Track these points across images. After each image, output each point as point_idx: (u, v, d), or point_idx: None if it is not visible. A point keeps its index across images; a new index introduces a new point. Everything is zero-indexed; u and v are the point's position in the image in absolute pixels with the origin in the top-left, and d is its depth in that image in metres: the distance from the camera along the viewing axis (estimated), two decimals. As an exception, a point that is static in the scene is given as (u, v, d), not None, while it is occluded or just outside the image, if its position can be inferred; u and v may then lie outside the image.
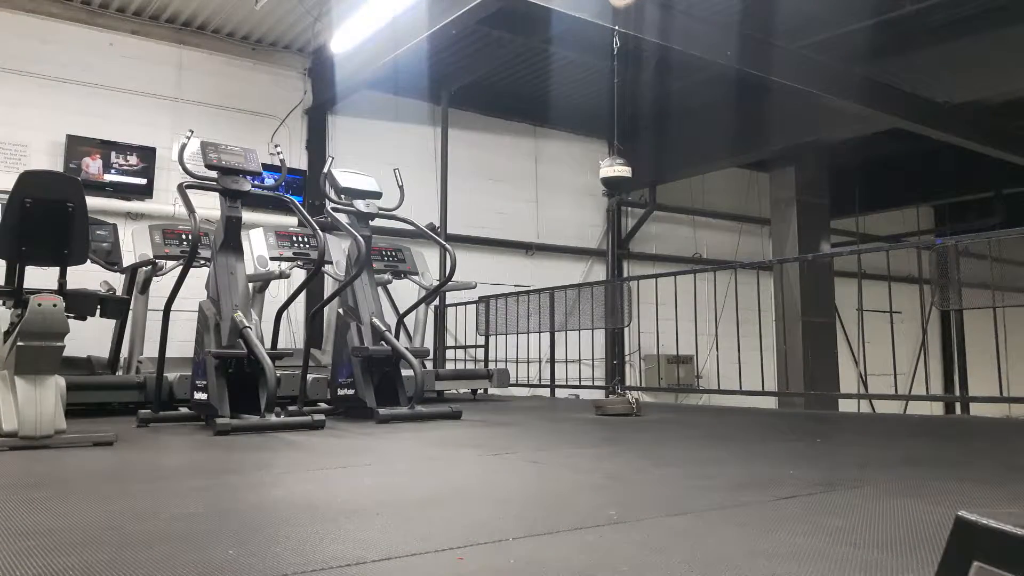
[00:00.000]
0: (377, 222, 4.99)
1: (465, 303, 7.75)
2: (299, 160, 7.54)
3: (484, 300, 7.63)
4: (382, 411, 4.12)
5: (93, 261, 4.68)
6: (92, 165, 6.50)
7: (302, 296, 5.34)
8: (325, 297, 5.60)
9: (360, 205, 4.83)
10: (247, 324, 3.80)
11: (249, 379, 3.79)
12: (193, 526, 1.62)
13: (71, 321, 3.09)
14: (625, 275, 9.19)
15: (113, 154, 6.58)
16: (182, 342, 4.56)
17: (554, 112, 8.87)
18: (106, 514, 1.76)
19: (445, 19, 5.73)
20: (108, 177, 6.54)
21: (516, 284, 8.17)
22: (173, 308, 3.84)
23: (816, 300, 8.38)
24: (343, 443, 3.14)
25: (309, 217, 4.35)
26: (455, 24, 5.78)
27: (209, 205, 4.64)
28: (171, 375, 4.30)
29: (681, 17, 6.10)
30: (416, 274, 6.09)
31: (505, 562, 1.33)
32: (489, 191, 8.72)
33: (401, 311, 5.42)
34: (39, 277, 3.36)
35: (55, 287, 3.24)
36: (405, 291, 6.40)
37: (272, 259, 5.35)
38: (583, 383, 7.56)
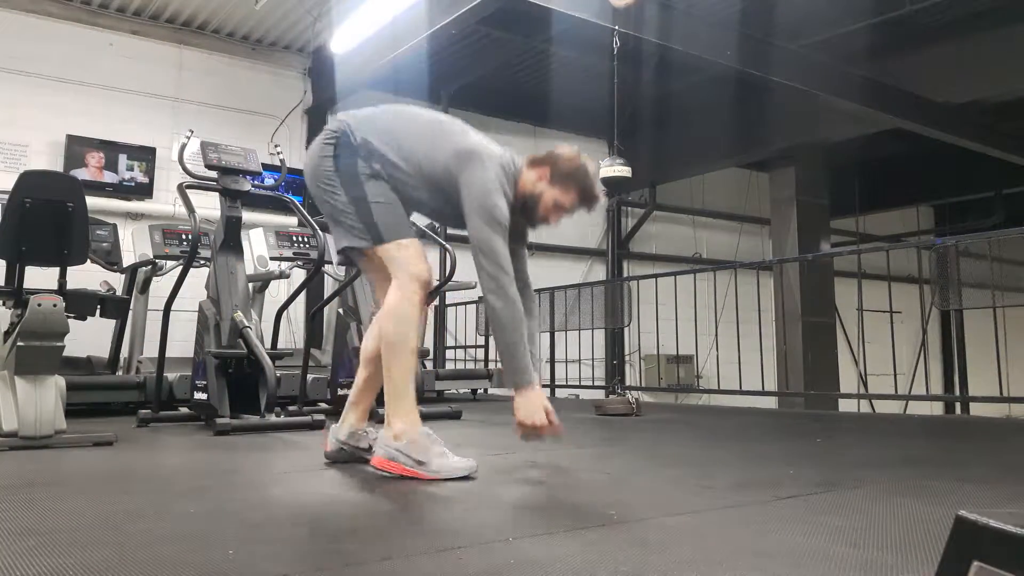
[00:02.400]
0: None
1: (465, 303, 7.75)
2: (299, 160, 7.53)
3: (484, 300, 7.62)
4: (382, 411, 4.11)
5: (93, 261, 4.68)
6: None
7: (302, 296, 5.34)
8: (325, 297, 5.60)
9: (360, 205, 4.82)
10: (247, 324, 3.80)
11: (249, 379, 3.79)
12: (193, 526, 1.62)
13: (71, 321, 3.09)
14: (625, 275, 9.20)
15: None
16: (182, 342, 4.55)
17: (554, 112, 8.86)
18: (106, 514, 1.76)
19: (445, 19, 5.73)
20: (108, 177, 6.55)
21: (516, 284, 8.16)
22: (173, 308, 3.84)
23: (816, 300, 8.38)
24: (343, 443, 3.14)
25: (309, 217, 4.35)
26: (455, 24, 5.77)
27: (209, 205, 4.64)
28: (171, 375, 4.29)
29: (681, 17, 6.11)
30: (416, 274, 6.09)
31: (505, 562, 1.33)
32: (489, 191, 8.72)
33: (401, 311, 5.40)
34: (39, 277, 3.36)
35: (55, 287, 3.24)
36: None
37: (272, 259, 5.35)
38: (583, 383, 7.56)
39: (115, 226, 5.30)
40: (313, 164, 2.36)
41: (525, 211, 2.42)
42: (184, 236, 5.11)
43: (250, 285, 4.45)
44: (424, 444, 2.18)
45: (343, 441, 2.43)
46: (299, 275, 5.68)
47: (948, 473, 2.55)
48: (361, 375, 2.48)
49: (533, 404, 2.22)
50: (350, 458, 2.43)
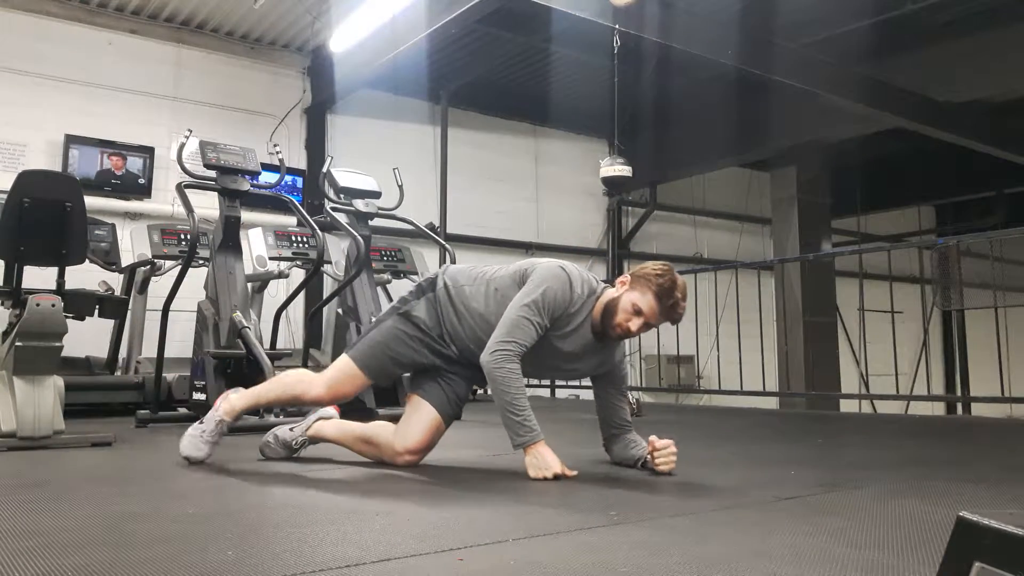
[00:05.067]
0: (376, 222, 4.98)
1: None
2: (298, 159, 7.53)
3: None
4: (381, 411, 4.12)
5: (91, 261, 4.68)
6: (91, 165, 6.48)
7: (301, 296, 5.33)
8: (324, 297, 5.59)
9: (359, 205, 4.82)
10: (246, 324, 3.79)
11: (248, 379, 3.77)
12: (192, 527, 1.62)
13: (69, 321, 3.08)
14: (625, 275, 9.18)
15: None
16: (181, 342, 4.55)
17: (554, 111, 8.85)
18: (105, 515, 1.76)
19: (445, 18, 5.72)
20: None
21: (516, 284, 8.15)
22: (172, 308, 3.84)
23: (817, 300, 8.36)
24: (342, 443, 3.13)
25: (308, 217, 4.35)
26: (455, 23, 5.77)
27: (208, 205, 4.63)
28: (170, 375, 4.29)
29: (682, 16, 6.09)
30: (416, 274, 6.08)
31: (505, 563, 1.32)
32: (489, 190, 8.71)
33: (401, 311, 5.40)
34: (37, 277, 3.35)
35: (53, 287, 3.24)
36: (405, 291, 6.39)
37: (271, 259, 5.34)
38: (583, 383, 7.55)
39: (113, 226, 5.29)
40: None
41: (604, 321, 2.36)
42: (183, 236, 5.10)
43: (249, 285, 4.45)
44: (209, 427, 2.54)
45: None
46: (298, 275, 5.68)
47: (949, 474, 2.54)
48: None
49: (543, 460, 2.22)
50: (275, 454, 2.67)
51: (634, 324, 2.30)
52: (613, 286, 2.43)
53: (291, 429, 2.65)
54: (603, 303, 2.37)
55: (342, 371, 2.50)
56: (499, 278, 2.45)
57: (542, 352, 2.35)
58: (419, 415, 2.45)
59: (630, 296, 2.32)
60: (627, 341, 2.62)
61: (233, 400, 2.59)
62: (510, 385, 2.26)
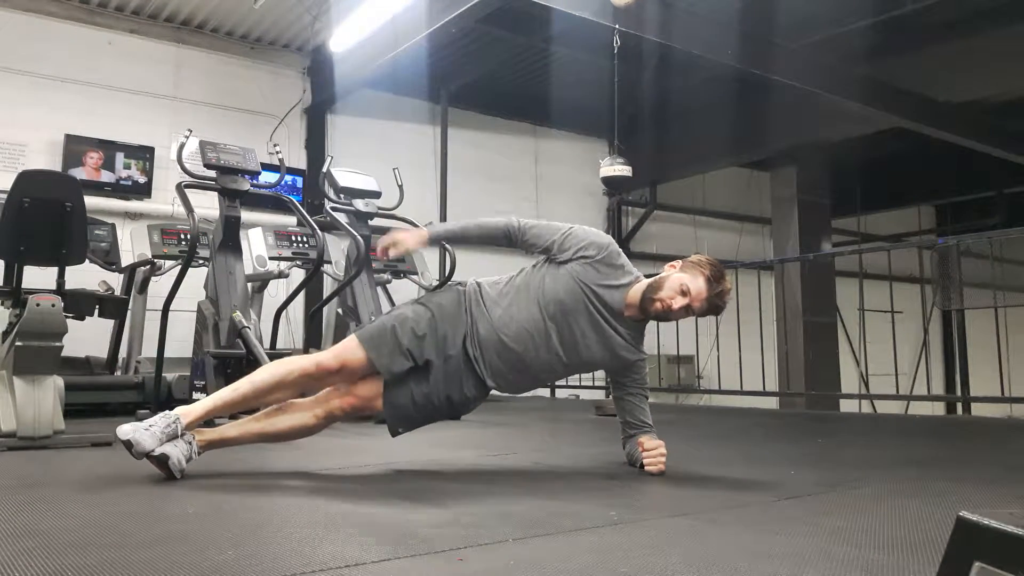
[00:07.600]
0: (376, 221, 4.98)
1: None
2: (298, 159, 7.53)
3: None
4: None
5: (91, 261, 4.67)
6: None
7: (301, 296, 5.33)
8: (324, 297, 5.59)
9: (359, 204, 4.82)
10: (246, 324, 3.79)
11: (248, 379, 3.78)
12: (191, 527, 1.62)
13: (69, 321, 3.08)
14: (625, 275, 9.17)
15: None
16: (181, 342, 4.54)
17: (554, 111, 8.85)
18: (104, 515, 1.76)
19: (445, 18, 5.72)
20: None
21: (516, 284, 8.14)
22: (172, 308, 3.83)
23: (817, 300, 8.36)
24: (342, 443, 3.14)
25: (308, 216, 4.35)
26: (455, 23, 5.77)
27: (208, 204, 4.63)
28: (170, 375, 4.28)
29: (682, 16, 6.09)
30: (416, 274, 6.08)
31: (505, 563, 1.32)
32: (489, 190, 8.71)
33: (401, 311, 5.40)
34: (37, 277, 3.35)
35: (53, 287, 3.24)
36: (405, 291, 6.40)
37: (271, 259, 5.34)
38: (583, 383, 7.55)
39: (113, 226, 5.29)
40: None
41: (646, 295, 2.34)
42: (183, 236, 5.10)
43: (249, 285, 4.45)
44: (160, 422, 2.18)
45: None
46: (298, 275, 5.67)
47: (949, 473, 2.54)
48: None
49: (400, 237, 2.59)
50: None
51: (677, 303, 2.29)
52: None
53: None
54: (647, 282, 2.38)
55: (345, 342, 2.43)
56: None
57: (574, 329, 2.34)
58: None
59: (680, 276, 2.33)
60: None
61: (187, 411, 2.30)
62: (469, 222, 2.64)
